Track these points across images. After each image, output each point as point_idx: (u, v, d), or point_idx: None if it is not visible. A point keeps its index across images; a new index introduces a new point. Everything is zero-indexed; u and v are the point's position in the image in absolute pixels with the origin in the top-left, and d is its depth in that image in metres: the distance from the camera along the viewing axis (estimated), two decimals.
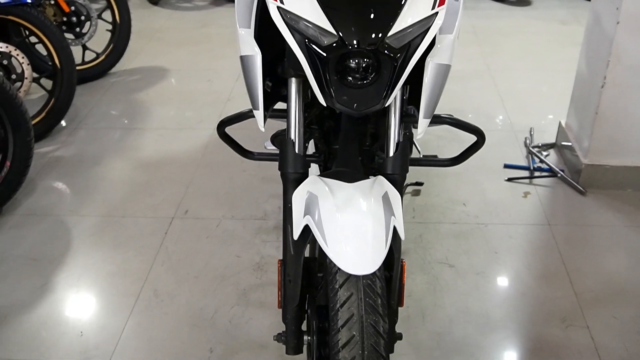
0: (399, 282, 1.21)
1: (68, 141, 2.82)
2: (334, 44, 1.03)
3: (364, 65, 1.05)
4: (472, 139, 1.46)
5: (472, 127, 1.50)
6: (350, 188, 1.16)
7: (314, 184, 1.18)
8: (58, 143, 2.80)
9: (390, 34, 1.03)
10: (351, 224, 1.09)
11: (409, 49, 1.07)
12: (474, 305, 1.87)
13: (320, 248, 1.15)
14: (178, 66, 3.55)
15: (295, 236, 1.14)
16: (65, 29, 3.20)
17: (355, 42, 1.01)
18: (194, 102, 3.12)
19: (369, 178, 1.28)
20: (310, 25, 1.04)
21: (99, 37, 3.33)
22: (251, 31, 1.29)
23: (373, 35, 1.02)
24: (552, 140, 2.68)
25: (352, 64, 1.05)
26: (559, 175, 2.42)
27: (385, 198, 1.15)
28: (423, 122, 1.25)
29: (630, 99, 2.17)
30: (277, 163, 2.36)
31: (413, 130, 1.71)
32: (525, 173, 2.48)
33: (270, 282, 1.97)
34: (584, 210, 2.29)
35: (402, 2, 1.04)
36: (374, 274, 1.05)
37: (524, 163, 2.55)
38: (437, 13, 1.08)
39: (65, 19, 3.20)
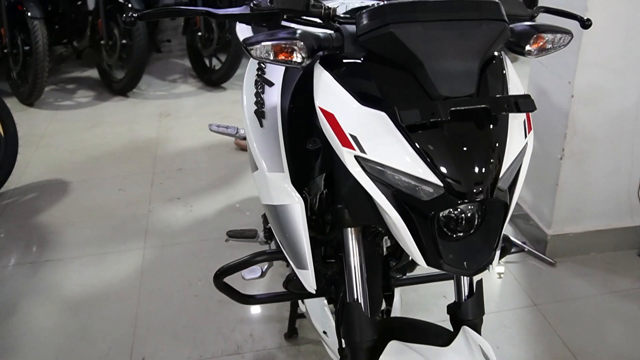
0: None
1: None
2: (440, 198, 0.84)
3: (469, 215, 0.87)
4: None
5: None
6: (448, 353, 0.97)
7: (401, 353, 0.98)
8: None
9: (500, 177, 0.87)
10: None
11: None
12: None
13: None
14: (79, 176, 3.14)
15: None
16: None
17: (466, 193, 0.83)
18: (110, 218, 2.75)
19: (443, 328, 1.10)
20: (404, 177, 0.85)
21: None
22: (286, 175, 1.07)
23: (483, 182, 0.85)
24: None
25: (455, 215, 0.87)
26: (526, 249, 2.39)
27: (484, 354, 0.98)
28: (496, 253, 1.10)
29: (588, 167, 2.20)
30: (282, 303, 2.04)
31: None
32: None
33: None
34: (561, 282, 2.25)
35: (503, 141, 0.88)
36: None
37: None
38: (527, 142, 0.94)
39: None
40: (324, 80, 0.91)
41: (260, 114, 1.13)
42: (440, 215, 0.86)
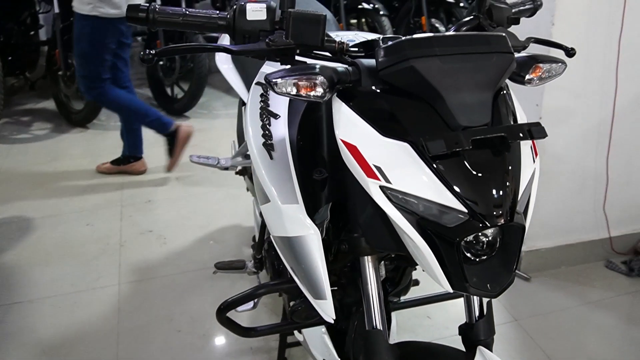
0: None
1: None
2: (465, 224, 0.87)
3: (490, 238, 0.91)
4: None
5: None
6: None
7: None
8: None
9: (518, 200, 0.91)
10: None
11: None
12: None
13: None
14: (43, 212, 3.04)
15: None
16: None
17: (489, 219, 0.87)
18: (80, 255, 2.67)
19: (458, 350, 1.13)
20: (429, 204, 0.87)
21: None
22: (301, 206, 1.08)
23: (504, 207, 0.88)
24: None
25: (477, 240, 0.90)
26: None
27: None
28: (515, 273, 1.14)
29: (556, 185, 2.29)
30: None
31: None
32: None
33: None
34: (537, 296, 2.32)
35: (519, 167, 0.92)
36: None
37: None
38: (535, 167, 0.99)
39: None
40: (344, 113, 0.93)
41: (269, 146, 1.14)
42: (465, 240, 0.89)
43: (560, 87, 2.10)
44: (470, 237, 0.89)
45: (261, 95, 1.24)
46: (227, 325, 1.40)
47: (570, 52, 1.20)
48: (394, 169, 0.88)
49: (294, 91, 0.91)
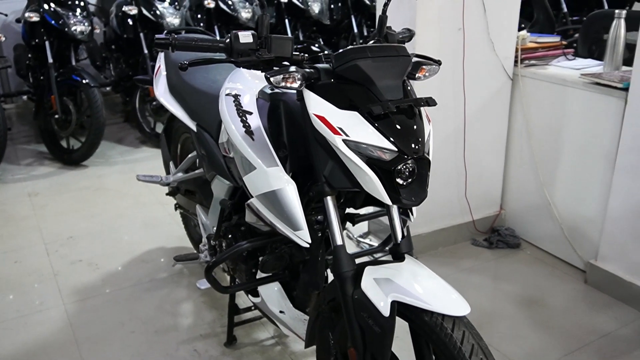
0: None
1: None
2: (396, 158, 1.39)
3: (411, 169, 1.44)
4: None
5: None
6: (406, 264, 1.52)
7: (377, 271, 1.49)
8: None
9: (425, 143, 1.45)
10: (432, 285, 1.44)
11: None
12: None
13: None
14: None
15: (387, 313, 1.41)
16: None
17: (409, 153, 1.40)
18: (16, 287, 2.84)
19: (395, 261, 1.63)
20: (373, 149, 1.38)
21: None
22: (280, 168, 1.55)
23: (418, 147, 1.42)
24: (366, 229, 3.30)
25: (403, 169, 1.43)
26: None
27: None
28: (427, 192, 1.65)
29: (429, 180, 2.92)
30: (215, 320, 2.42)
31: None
32: (366, 258, 3.01)
33: None
34: None
35: (423, 124, 1.47)
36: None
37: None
38: (430, 128, 1.55)
39: None
40: (313, 98, 1.43)
41: (249, 132, 1.61)
42: (396, 168, 1.40)
43: None
44: (399, 166, 1.41)
45: (234, 101, 1.70)
46: (212, 283, 1.79)
47: (438, 63, 1.80)
48: (351, 128, 1.39)
49: (282, 83, 1.40)
